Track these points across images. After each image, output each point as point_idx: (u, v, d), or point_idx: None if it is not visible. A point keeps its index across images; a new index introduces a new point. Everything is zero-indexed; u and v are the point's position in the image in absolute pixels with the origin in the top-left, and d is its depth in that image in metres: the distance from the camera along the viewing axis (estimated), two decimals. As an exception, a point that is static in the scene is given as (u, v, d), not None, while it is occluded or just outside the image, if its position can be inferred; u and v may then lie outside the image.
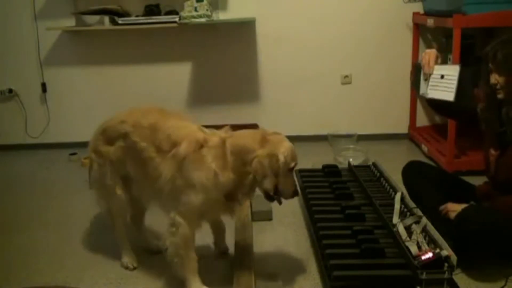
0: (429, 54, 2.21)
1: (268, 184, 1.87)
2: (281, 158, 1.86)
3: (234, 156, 1.87)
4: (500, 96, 2.11)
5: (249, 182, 1.89)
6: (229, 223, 2.53)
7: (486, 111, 2.23)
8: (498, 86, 2.09)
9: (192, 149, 1.89)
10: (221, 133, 1.96)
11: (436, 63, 2.20)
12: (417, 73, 2.31)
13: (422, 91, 2.25)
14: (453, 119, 3.03)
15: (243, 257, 2.20)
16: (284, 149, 1.88)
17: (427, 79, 2.21)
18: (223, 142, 1.90)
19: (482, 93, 2.24)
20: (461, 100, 2.11)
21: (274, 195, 1.93)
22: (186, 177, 1.89)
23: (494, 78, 2.09)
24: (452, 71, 2.13)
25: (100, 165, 2.18)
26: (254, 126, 3.98)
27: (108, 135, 2.16)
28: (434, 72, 2.19)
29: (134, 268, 2.27)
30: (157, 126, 2.01)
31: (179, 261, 1.96)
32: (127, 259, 2.29)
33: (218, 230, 2.32)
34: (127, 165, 2.12)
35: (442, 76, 2.16)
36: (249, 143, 1.88)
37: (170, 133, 1.97)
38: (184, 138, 1.93)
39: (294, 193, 1.97)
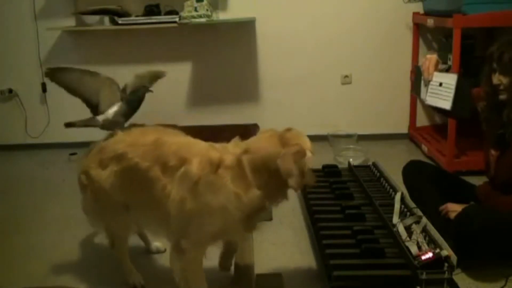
0: (429, 60, 2.20)
1: (294, 182, 1.66)
2: (309, 154, 1.71)
3: (257, 172, 1.68)
4: (502, 97, 2.10)
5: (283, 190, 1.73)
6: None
7: (486, 111, 2.23)
8: (501, 87, 2.08)
9: (207, 170, 1.69)
10: (234, 149, 1.76)
11: (436, 69, 2.20)
12: (417, 76, 2.31)
13: (422, 96, 2.26)
14: (454, 119, 3.03)
15: (243, 257, 2.20)
16: (309, 143, 1.74)
17: (426, 85, 2.21)
18: (239, 161, 1.69)
19: (483, 93, 2.24)
20: (458, 108, 2.12)
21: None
22: (201, 201, 1.69)
23: (498, 79, 2.08)
24: (450, 80, 2.13)
25: (92, 191, 1.98)
26: (254, 126, 3.98)
27: (102, 156, 1.96)
28: (434, 79, 2.19)
29: (143, 287, 2.13)
30: (161, 141, 1.83)
31: (186, 285, 1.81)
32: (133, 278, 2.13)
33: (228, 252, 2.09)
34: (123, 191, 1.92)
35: (441, 84, 2.16)
36: (271, 150, 1.69)
37: (177, 148, 1.79)
38: (195, 155, 1.73)
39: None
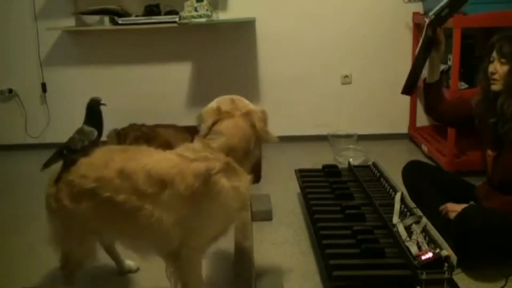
0: None
1: (272, 135, 1.86)
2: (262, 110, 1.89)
3: (241, 162, 1.72)
4: (495, 87, 2.13)
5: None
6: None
7: (480, 104, 2.24)
8: (496, 76, 2.12)
9: (199, 183, 1.62)
10: (213, 153, 1.69)
11: None
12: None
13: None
14: (450, 123, 2.91)
15: (243, 257, 2.20)
16: (247, 104, 1.90)
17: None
18: (227, 163, 1.67)
19: (479, 88, 2.27)
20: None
21: None
22: (206, 212, 1.65)
23: (494, 67, 2.13)
24: None
25: (63, 219, 1.84)
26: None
27: (72, 190, 1.79)
28: None
29: None
30: (127, 172, 1.69)
31: None
32: None
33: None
34: (101, 224, 1.81)
35: None
36: (244, 136, 1.74)
37: (147, 174, 1.66)
38: (174, 175, 1.63)
39: None
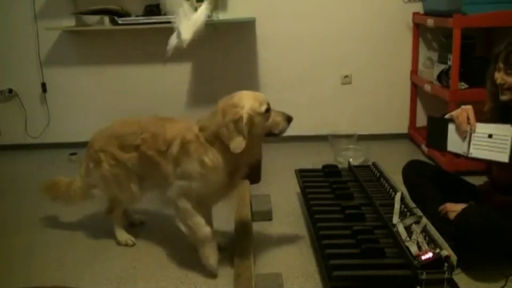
0: (466, 111, 2.12)
1: (236, 143, 1.97)
2: (245, 116, 1.97)
3: (212, 142, 2.05)
4: (505, 97, 2.10)
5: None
6: (229, 220, 2.54)
7: (491, 112, 2.22)
8: (505, 86, 2.08)
9: (180, 147, 2.12)
10: (194, 127, 2.13)
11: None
12: (434, 127, 2.27)
13: (452, 148, 2.18)
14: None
15: (243, 257, 2.20)
16: (248, 104, 2.01)
17: (466, 137, 2.12)
18: (196, 136, 2.08)
19: (488, 93, 2.23)
20: None
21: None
22: (184, 168, 2.11)
23: (501, 78, 2.09)
24: (504, 131, 2.03)
25: (112, 165, 2.39)
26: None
27: (122, 143, 2.37)
28: (478, 130, 2.10)
29: (134, 244, 2.50)
30: (157, 133, 2.25)
31: (190, 231, 2.20)
32: (125, 237, 2.52)
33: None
34: (141, 170, 2.36)
35: (490, 136, 2.06)
36: (217, 123, 2.02)
37: (165, 133, 2.22)
38: (175, 136, 2.15)
39: (288, 120, 2.19)
